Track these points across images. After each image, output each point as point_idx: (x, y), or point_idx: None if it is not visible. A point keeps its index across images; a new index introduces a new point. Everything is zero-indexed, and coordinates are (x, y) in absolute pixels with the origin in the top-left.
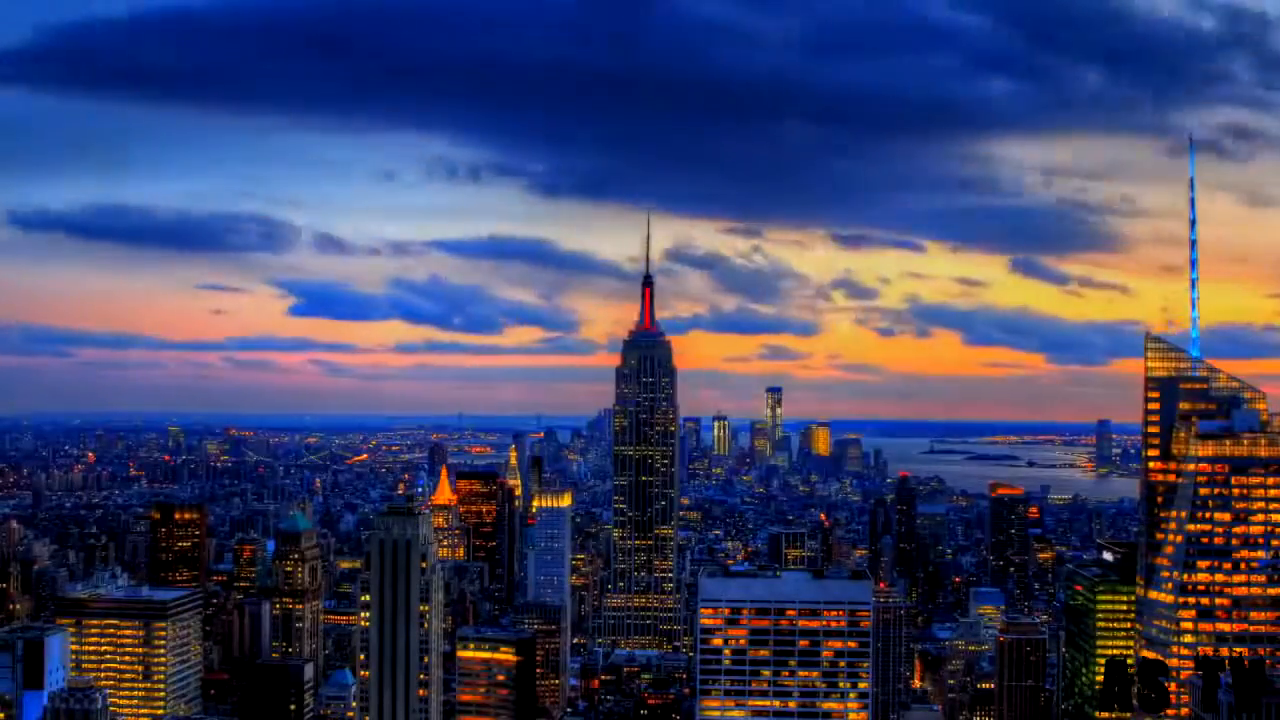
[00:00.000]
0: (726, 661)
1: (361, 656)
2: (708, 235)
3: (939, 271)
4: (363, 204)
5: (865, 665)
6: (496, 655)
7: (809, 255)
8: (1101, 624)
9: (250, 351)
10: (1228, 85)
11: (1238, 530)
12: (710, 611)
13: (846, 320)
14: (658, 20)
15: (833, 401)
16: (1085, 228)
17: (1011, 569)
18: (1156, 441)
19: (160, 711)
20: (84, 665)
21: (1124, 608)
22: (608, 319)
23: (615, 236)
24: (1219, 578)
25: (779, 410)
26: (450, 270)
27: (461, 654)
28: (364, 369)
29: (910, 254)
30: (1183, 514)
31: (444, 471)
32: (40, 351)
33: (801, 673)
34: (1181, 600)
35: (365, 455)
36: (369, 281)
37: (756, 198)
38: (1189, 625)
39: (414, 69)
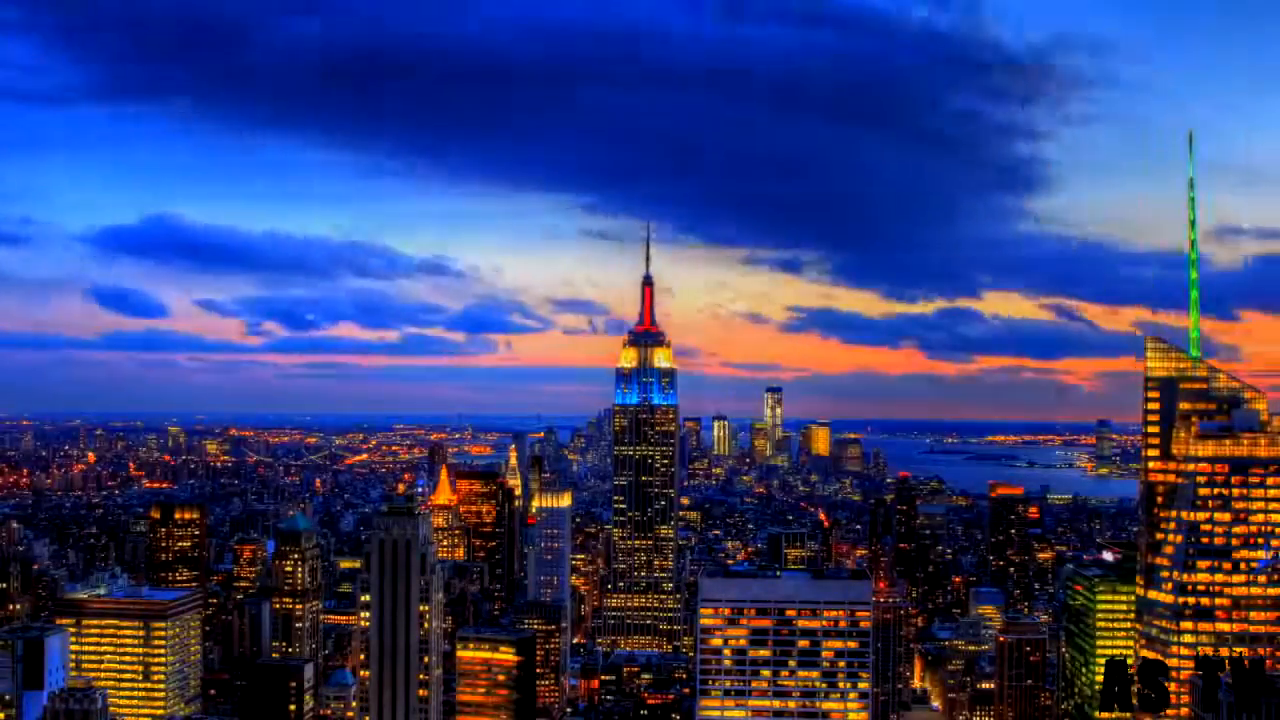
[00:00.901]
0: (726, 661)
1: (361, 656)
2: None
3: (685, 268)
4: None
5: (865, 665)
6: (496, 655)
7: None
8: (1101, 624)
9: (137, 352)
10: None
11: (1238, 530)
12: (710, 611)
13: (666, 319)
14: None
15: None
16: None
17: (1011, 569)
18: (1156, 441)
19: (160, 711)
20: (84, 665)
21: (1124, 608)
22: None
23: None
24: (1219, 578)
25: (779, 410)
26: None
27: (461, 654)
28: (272, 365)
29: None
30: (1183, 514)
31: (444, 471)
32: None
33: (801, 673)
34: (1181, 600)
35: (365, 455)
36: (111, 278)
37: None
38: (1189, 625)
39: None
